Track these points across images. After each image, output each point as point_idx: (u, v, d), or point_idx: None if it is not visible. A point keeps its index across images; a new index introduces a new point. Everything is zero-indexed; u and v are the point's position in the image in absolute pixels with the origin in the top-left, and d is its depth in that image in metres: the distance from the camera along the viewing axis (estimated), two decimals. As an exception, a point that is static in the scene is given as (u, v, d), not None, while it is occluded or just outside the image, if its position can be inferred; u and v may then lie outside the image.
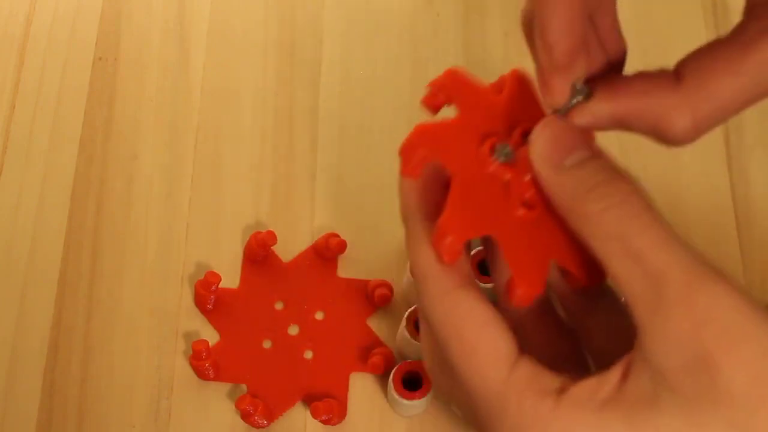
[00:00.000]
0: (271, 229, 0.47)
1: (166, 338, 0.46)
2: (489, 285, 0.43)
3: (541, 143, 0.29)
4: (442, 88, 0.31)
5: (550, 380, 0.27)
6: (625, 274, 0.27)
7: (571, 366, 0.31)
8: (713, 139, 0.50)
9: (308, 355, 0.46)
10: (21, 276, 0.48)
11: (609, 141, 0.50)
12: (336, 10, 0.55)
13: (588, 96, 0.30)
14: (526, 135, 0.30)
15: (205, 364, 0.44)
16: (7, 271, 0.48)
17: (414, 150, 0.30)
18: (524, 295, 0.29)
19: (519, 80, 0.32)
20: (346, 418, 0.45)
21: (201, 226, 0.49)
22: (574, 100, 0.30)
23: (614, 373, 0.27)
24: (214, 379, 0.45)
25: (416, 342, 0.44)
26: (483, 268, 0.44)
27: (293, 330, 0.47)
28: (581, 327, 0.32)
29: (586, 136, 0.30)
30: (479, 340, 0.28)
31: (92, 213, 0.49)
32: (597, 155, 0.29)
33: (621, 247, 0.27)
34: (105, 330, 0.47)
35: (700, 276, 0.26)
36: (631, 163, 0.50)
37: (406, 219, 0.31)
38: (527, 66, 0.48)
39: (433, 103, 0.31)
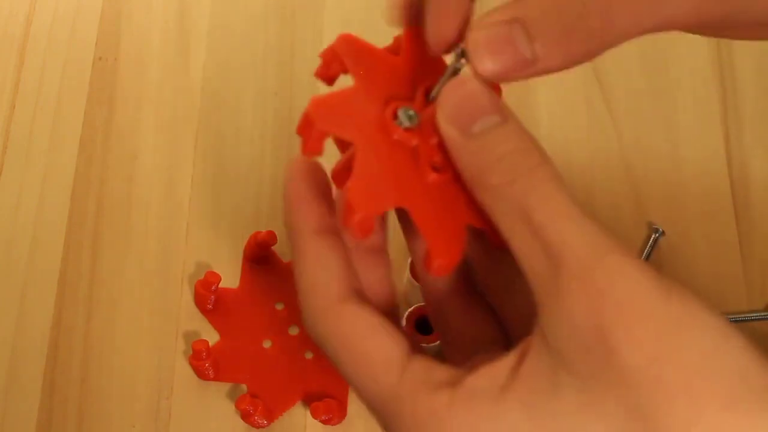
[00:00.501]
0: (271, 229, 0.47)
1: (166, 338, 0.46)
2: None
3: (449, 106, 0.28)
4: (334, 56, 0.29)
5: (445, 374, 0.26)
6: (524, 250, 0.25)
7: (495, 346, 0.30)
8: (713, 137, 0.50)
9: (308, 355, 0.46)
10: (21, 276, 0.48)
11: (608, 139, 0.51)
12: (336, 10, 0.55)
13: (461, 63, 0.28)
14: (428, 93, 0.29)
15: (205, 364, 0.44)
16: (7, 271, 0.48)
17: (311, 126, 0.27)
18: (442, 265, 0.27)
19: (415, 36, 0.29)
20: (346, 418, 0.45)
21: (201, 226, 0.49)
22: (459, 64, 0.28)
23: (510, 359, 0.26)
24: (214, 379, 0.45)
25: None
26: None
27: (293, 330, 0.47)
28: (499, 303, 0.31)
29: (497, 98, 0.28)
30: (366, 348, 0.27)
31: (92, 213, 0.49)
32: (507, 120, 0.27)
33: (522, 220, 0.25)
34: (105, 330, 0.47)
35: (599, 251, 0.24)
36: (631, 160, 0.50)
37: (289, 230, 0.30)
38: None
39: (326, 74, 0.29)
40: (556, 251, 0.25)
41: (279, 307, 0.47)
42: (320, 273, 0.28)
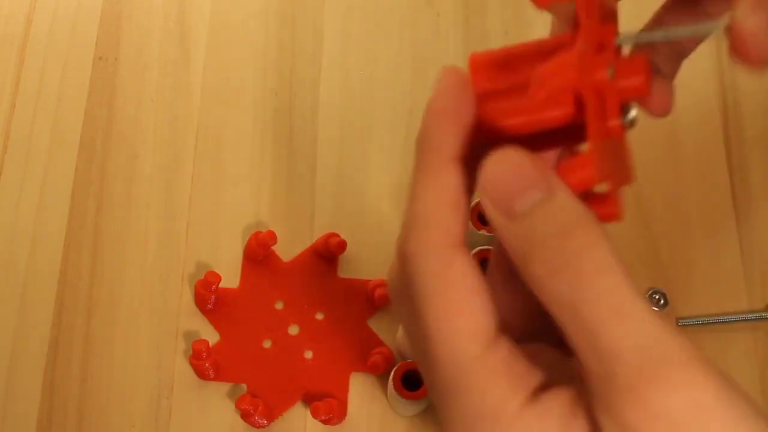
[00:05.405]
0: (271, 229, 0.47)
1: (166, 338, 0.46)
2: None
3: (490, 183, 0.25)
4: None
5: (526, 372, 0.25)
6: (578, 346, 0.24)
7: (543, 336, 0.28)
8: (713, 138, 0.50)
9: (308, 355, 0.46)
10: (21, 276, 0.48)
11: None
12: (336, 10, 0.55)
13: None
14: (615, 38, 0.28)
15: (205, 363, 0.44)
16: (7, 271, 0.48)
17: None
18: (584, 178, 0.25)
19: None
20: (346, 418, 0.45)
21: (201, 226, 0.49)
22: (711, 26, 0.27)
23: (566, 402, 0.25)
24: (214, 379, 0.45)
25: None
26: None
27: (293, 330, 0.47)
28: None
29: (543, 168, 0.25)
30: (463, 306, 0.25)
31: (92, 213, 0.49)
32: (553, 194, 0.25)
33: (572, 317, 0.24)
34: (105, 330, 0.47)
35: (656, 361, 0.23)
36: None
37: (424, 144, 0.26)
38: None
39: None
40: (610, 359, 0.23)
41: (279, 306, 0.47)
42: (448, 209, 0.26)
